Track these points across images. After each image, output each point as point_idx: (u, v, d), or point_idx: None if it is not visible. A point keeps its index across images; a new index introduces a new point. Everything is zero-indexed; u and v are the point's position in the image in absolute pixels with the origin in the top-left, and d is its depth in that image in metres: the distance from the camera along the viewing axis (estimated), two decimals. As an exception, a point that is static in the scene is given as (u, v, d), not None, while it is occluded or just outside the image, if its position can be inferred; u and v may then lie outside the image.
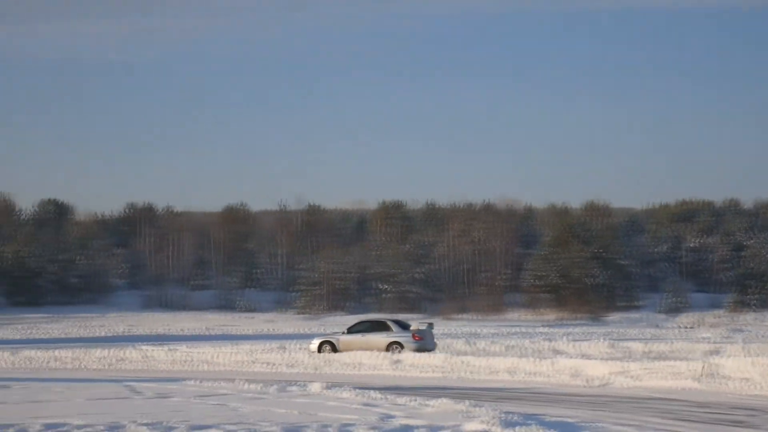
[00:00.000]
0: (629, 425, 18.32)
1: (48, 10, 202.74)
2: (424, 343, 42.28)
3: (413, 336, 42.24)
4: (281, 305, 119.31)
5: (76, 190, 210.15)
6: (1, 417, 17.18)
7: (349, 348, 41.97)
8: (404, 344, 41.65)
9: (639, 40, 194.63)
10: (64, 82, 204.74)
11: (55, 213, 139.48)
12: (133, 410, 18.51)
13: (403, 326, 43.86)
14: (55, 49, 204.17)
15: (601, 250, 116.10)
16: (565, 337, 55.76)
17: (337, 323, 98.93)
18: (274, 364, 36.90)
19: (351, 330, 44.55)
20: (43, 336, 75.58)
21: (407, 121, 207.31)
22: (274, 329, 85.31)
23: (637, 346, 40.68)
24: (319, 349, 42.54)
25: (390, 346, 41.52)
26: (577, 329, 79.36)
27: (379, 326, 43.81)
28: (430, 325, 45.49)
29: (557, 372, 30.12)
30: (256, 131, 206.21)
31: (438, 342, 45.13)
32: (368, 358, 36.07)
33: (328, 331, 60.51)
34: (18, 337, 73.43)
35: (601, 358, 31.18)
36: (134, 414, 17.59)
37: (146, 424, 15.90)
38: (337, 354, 41.13)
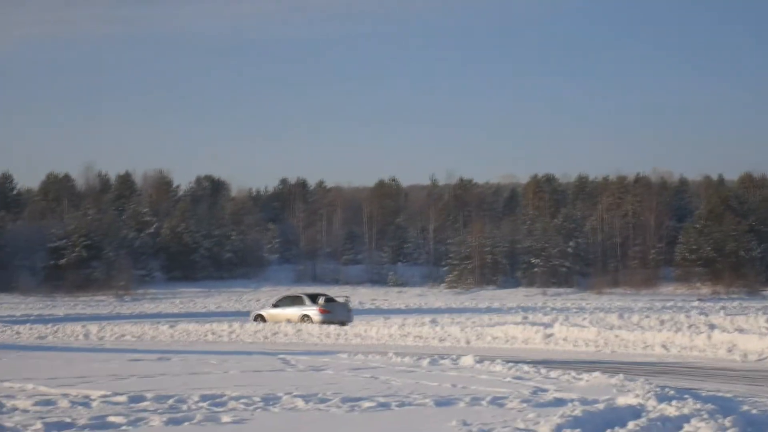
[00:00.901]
0: (787, 400, 17.91)
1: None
2: (331, 315, 45.97)
3: (319, 309, 46.15)
4: (431, 279, 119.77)
5: (231, 166, 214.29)
6: (163, 387, 17.63)
7: (274, 320, 46.38)
8: (312, 316, 45.84)
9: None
10: (214, 61, 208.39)
11: (211, 189, 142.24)
12: (287, 382, 18.78)
13: (315, 300, 47.22)
14: (206, 27, 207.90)
15: (757, 223, 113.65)
16: (720, 311, 54.80)
17: (487, 297, 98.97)
18: (425, 338, 37.04)
19: (276, 304, 48.88)
20: (199, 310, 77.35)
21: (558, 95, 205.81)
22: (424, 303, 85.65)
23: (796, 321, 39.67)
24: (255, 319, 47.51)
25: (302, 318, 45.80)
26: (733, 303, 77.94)
27: (297, 300, 48.08)
28: (347, 299, 50.33)
29: (712, 346, 29.59)
30: (407, 106, 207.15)
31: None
32: (521, 332, 35.87)
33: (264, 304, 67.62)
34: (175, 311, 75.25)
35: (759, 333, 30.49)
36: (288, 386, 17.85)
37: (300, 396, 16.11)
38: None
